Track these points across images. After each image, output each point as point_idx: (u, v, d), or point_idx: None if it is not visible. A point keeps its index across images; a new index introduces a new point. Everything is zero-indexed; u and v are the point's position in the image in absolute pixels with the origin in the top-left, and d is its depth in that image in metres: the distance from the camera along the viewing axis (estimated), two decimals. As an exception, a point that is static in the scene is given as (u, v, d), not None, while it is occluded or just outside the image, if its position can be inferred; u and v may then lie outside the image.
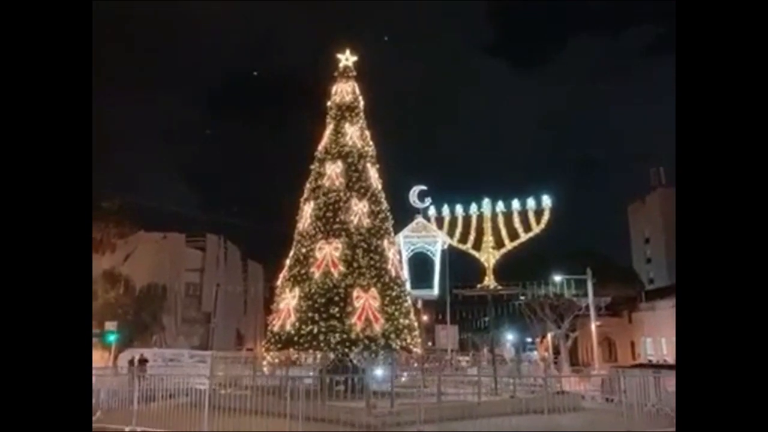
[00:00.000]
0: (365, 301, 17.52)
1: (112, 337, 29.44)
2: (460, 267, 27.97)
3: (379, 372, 16.39)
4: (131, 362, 24.30)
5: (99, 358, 28.97)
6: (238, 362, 23.47)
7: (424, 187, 26.36)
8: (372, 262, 18.28)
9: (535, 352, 45.77)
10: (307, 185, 20.12)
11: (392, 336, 17.51)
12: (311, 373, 16.91)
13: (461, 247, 21.78)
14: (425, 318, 36.11)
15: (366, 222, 18.88)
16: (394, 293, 18.42)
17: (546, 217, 20.39)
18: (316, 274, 17.98)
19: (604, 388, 17.27)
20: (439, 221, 22.18)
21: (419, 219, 26.27)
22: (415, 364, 19.77)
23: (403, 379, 18.63)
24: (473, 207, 21.18)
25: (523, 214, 20.60)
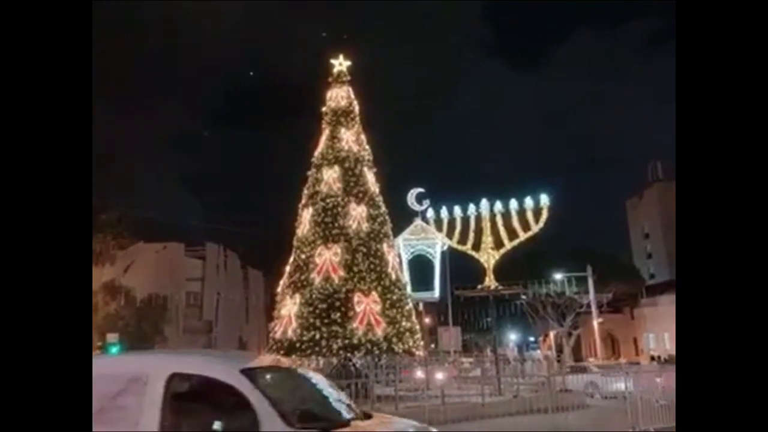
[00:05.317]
0: (366, 305, 17.51)
1: (114, 349, 29.34)
2: (461, 268, 28.00)
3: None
4: None
5: (102, 370, 28.89)
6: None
7: (421, 190, 26.35)
8: (372, 266, 18.27)
9: (538, 351, 45.75)
10: (305, 191, 20.12)
11: (394, 339, 17.49)
12: None
13: (461, 248, 21.78)
14: (427, 320, 36.11)
15: (365, 226, 18.88)
16: (395, 296, 18.40)
17: (544, 215, 20.43)
18: (317, 279, 17.97)
19: None
20: (438, 223, 22.19)
21: (418, 221, 26.25)
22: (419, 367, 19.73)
23: None
24: (471, 208, 21.20)
25: (522, 213, 20.64)
